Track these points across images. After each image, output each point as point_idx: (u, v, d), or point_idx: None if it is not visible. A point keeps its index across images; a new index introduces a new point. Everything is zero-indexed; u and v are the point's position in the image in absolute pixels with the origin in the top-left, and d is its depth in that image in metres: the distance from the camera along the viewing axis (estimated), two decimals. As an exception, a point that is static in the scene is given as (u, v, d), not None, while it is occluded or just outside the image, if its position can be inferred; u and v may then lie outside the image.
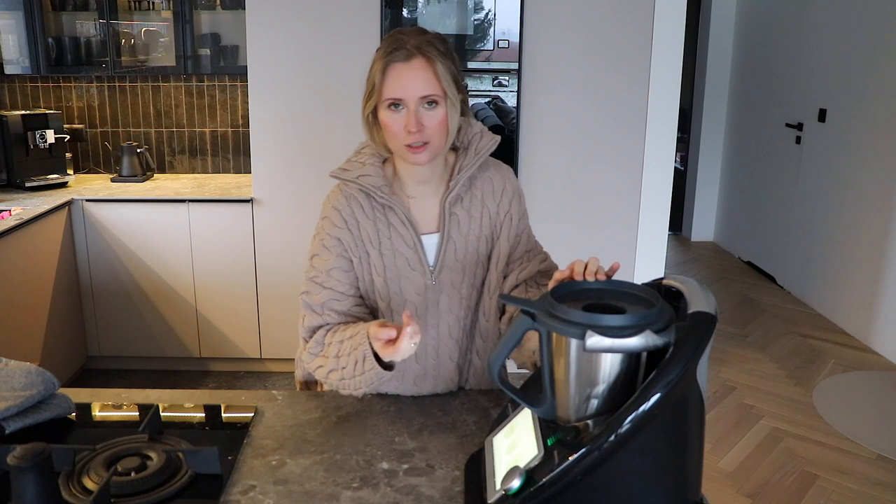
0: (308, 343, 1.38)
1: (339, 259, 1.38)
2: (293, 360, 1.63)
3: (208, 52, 3.46)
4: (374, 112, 1.34)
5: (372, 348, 1.23)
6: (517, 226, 1.45)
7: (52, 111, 3.45)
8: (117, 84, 3.64)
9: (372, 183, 1.36)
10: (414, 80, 1.27)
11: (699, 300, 0.94)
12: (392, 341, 1.18)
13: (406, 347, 1.16)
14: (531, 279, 1.43)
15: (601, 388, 0.94)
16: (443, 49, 1.30)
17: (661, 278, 1.06)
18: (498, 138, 1.43)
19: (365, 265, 1.38)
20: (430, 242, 1.40)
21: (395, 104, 1.28)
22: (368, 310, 1.41)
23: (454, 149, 1.44)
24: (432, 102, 1.28)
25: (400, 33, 1.31)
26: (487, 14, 3.04)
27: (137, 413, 1.35)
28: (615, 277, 1.10)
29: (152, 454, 1.12)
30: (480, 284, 1.43)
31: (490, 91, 3.12)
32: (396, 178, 1.41)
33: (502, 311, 1.45)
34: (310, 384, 1.64)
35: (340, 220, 1.38)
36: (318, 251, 1.39)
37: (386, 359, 1.21)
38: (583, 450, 0.88)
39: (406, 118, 1.28)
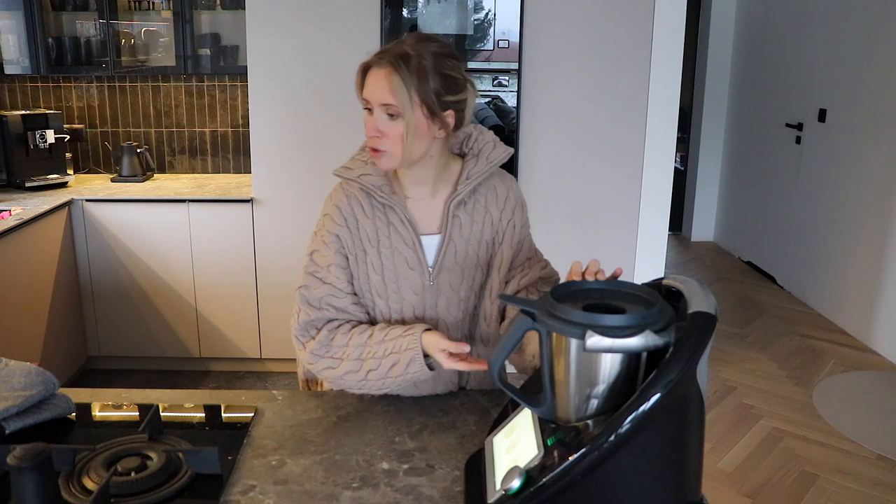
0: (309, 343, 1.38)
1: (337, 255, 1.39)
2: (293, 360, 1.63)
3: (208, 52, 3.46)
4: None
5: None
6: (519, 233, 1.46)
7: (52, 111, 3.45)
8: (117, 84, 3.64)
9: (372, 182, 1.37)
10: (375, 86, 1.29)
11: (699, 300, 0.94)
12: (454, 356, 1.26)
13: (462, 366, 1.26)
14: (532, 285, 1.44)
15: (601, 388, 0.94)
16: (425, 64, 1.27)
17: (661, 278, 1.06)
18: (511, 150, 1.45)
19: (361, 263, 1.39)
20: (431, 243, 1.40)
21: (367, 106, 1.31)
22: (364, 308, 1.41)
23: (462, 154, 1.45)
24: (394, 115, 1.29)
25: (403, 39, 1.32)
26: (487, 14, 3.04)
27: (137, 413, 1.35)
28: (615, 278, 1.10)
29: (152, 454, 1.12)
30: (479, 288, 1.44)
31: (490, 91, 3.12)
32: (396, 178, 1.42)
33: (502, 317, 1.45)
34: (310, 382, 1.64)
35: (340, 217, 1.39)
36: (317, 247, 1.41)
37: (446, 366, 1.27)
38: (583, 450, 0.88)
39: (373, 120, 1.31)
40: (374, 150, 1.32)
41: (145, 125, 3.70)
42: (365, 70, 1.31)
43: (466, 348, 1.24)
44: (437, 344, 1.27)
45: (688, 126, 5.76)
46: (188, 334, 3.36)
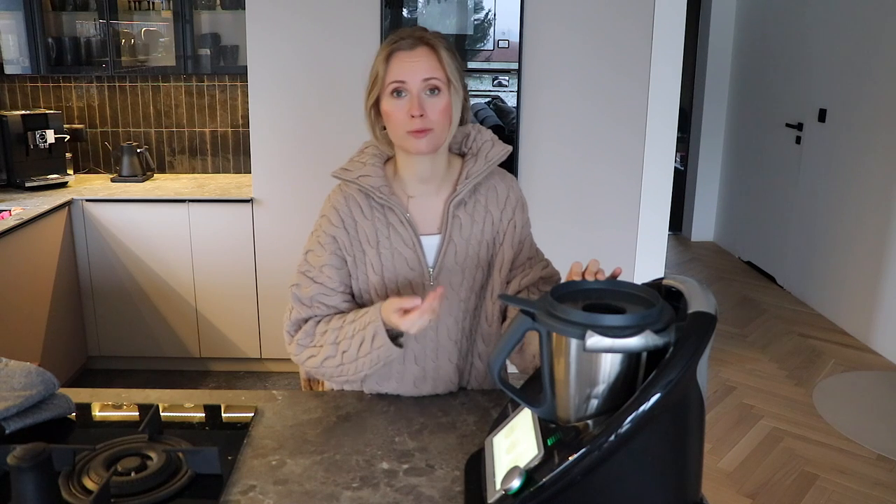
0: (296, 336, 1.39)
1: (332, 257, 1.39)
2: (293, 359, 1.63)
3: (208, 52, 3.46)
4: (377, 105, 1.35)
5: (384, 327, 1.27)
6: (520, 233, 1.46)
7: (52, 111, 3.45)
8: (117, 84, 3.64)
9: (371, 183, 1.37)
10: (417, 64, 1.29)
11: (699, 300, 0.94)
12: (409, 312, 1.21)
13: (419, 321, 1.20)
14: (533, 285, 1.44)
15: (601, 388, 0.94)
16: (446, 43, 1.33)
17: (661, 278, 1.06)
18: (510, 148, 1.45)
19: (360, 264, 1.39)
20: (431, 243, 1.40)
21: (398, 91, 1.30)
22: (357, 306, 1.42)
23: (461, 154, 1.45)
24: (435, 90, 1.30)
25: (404, 31, 1.34)
26: (487, 14, 3.04)
27: (137, 413, 1.35)
28: (615, 278, 1.10)
29: (152, 454, 1.12)
30: (480, 288, 1.44)
31: (490, 91, 3.12)
32: (397, 178, 1.42)
33: (504, 317, 1.45)
34: (312, 382, 1.64)
35: (338, 219, 1.39)
36: (312, 247, 1.42)
37: (403, 328, 1.23)
38: (583, 450, 0.88)
39: (409, 103, 1.29)
40: (418, 131, 1.29)
41: (145, 125, 3.70)
42: (388, 56, 1.31)
43: (417, 301, 1.21)
44: (391, 307, 1.24)
45: (688, 126, 5.76)
46: (188, 334, 3.36)
